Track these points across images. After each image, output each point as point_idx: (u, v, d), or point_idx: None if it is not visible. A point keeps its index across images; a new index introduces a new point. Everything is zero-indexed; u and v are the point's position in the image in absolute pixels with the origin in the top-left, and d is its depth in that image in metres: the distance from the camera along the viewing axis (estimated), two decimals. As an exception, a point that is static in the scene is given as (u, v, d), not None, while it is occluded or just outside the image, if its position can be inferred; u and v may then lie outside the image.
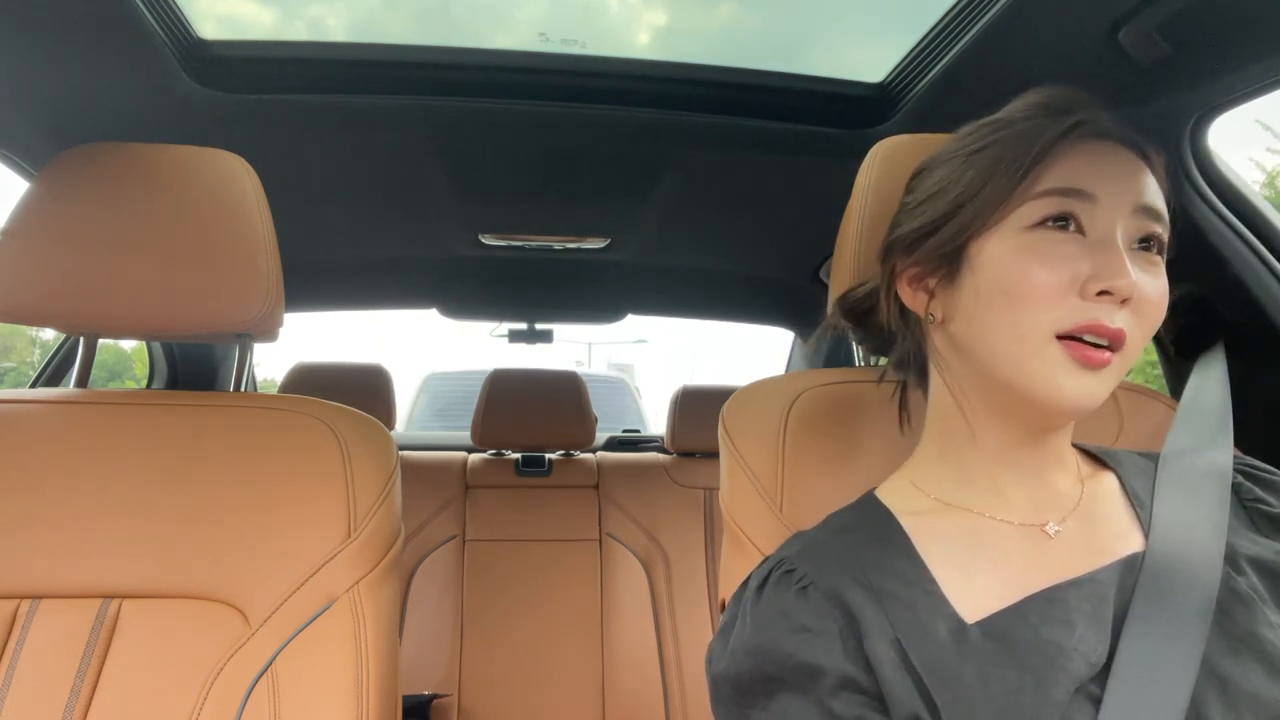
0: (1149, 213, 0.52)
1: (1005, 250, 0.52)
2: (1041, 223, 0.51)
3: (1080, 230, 0.51)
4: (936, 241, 0.55)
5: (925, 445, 0.61)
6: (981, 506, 0.56)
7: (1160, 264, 0.52)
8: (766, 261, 1.76)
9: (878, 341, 0.68)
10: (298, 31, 1.13)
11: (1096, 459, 0.61)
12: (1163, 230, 0.52)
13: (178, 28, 0.93)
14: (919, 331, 0.61)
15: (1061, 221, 0.51)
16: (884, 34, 1.07)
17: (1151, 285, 0.51)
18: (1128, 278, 0.49)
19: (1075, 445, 0.60)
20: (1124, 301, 0.49)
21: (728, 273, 1.84)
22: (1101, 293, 0.49)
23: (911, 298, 0.59)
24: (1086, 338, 0.49)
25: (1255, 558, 0.52)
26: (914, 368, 0.64)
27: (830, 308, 0.73)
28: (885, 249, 0.61)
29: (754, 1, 1.20)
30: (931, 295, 0.58)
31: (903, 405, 0.68)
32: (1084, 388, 0.49)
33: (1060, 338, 0.50)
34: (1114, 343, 0.49)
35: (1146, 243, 0.52)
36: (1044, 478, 0.56)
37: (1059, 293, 0.49)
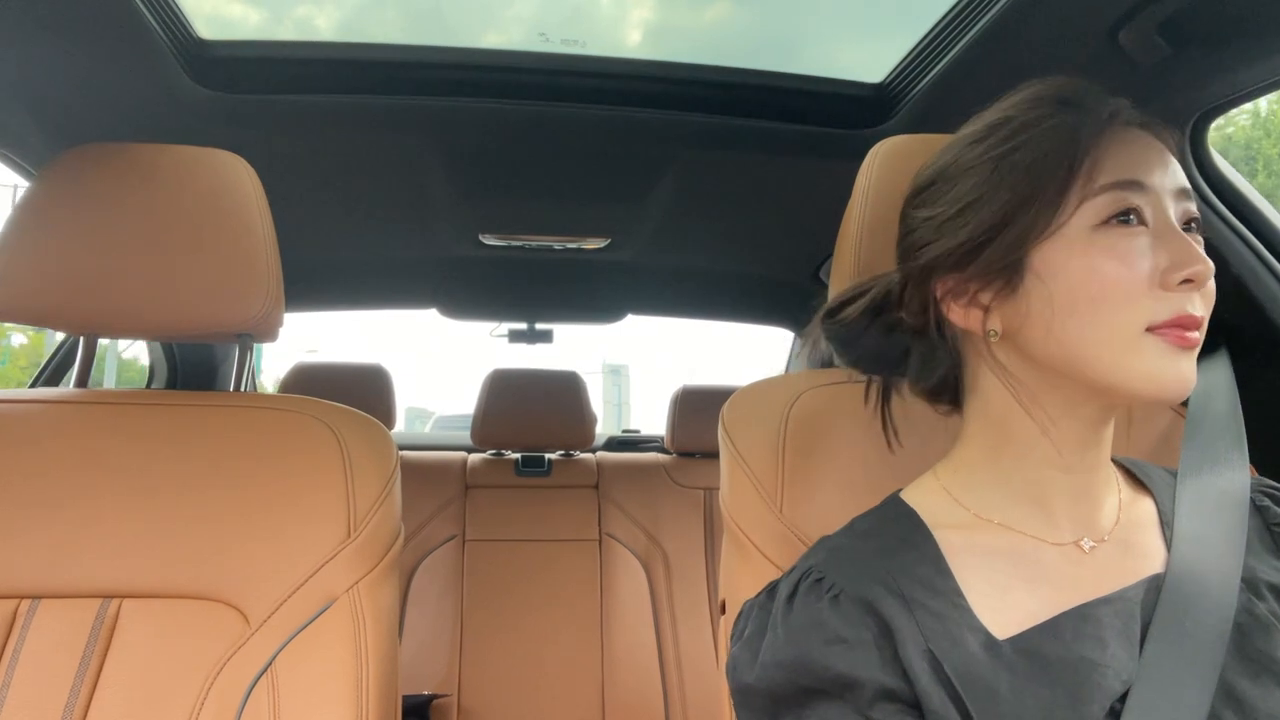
0: (1186, 194, 0.51)
1: (1075, 254, 0.49)
2: (1106, 221, 0.49)
3: (1143, 221, 0.50)
4: (992, 255, 0.51)
5: (968, 450, 0.58)
6: (1024, 525, 0.54)
7: (1202, 243, 0.52)
8: (766, 261, 1.76)
9: (871, 362, 0.64)
10: (286, 31, 1.13)
11: (1132, 475, 0.60)
12: (1197, 209, 0.52)
13: (178, 28, 0.93)
14: (959, 348, 0.58)
15: (1124, 217, 0.50)
16: (884, 34, 1.07)
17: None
18: (1204, 261, 0.48)
19: (1113, 460, 0.59)
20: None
21: (728, 273, 1.84)
22: (1183, 281, 0.48)
23: (964, 317, 0.55)
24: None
25: (1276, 585, 0.52)
26: (947, 384, 0.61)
27: (815, 324, 0.66)
28: (922, 270, 0.56)
29: (754, 1, 1.20)
30: (986, 310, 0.54)
31: (886, 421, 0.64)
32: (1182, 371, 0.49)
33: (1150, 330, 0.49)
34: (1198, 327, 0.49)
35: (1189, 225, 0.51)
36: (1092, 492, 0.55)
37: (1142, 288, 0.49)
